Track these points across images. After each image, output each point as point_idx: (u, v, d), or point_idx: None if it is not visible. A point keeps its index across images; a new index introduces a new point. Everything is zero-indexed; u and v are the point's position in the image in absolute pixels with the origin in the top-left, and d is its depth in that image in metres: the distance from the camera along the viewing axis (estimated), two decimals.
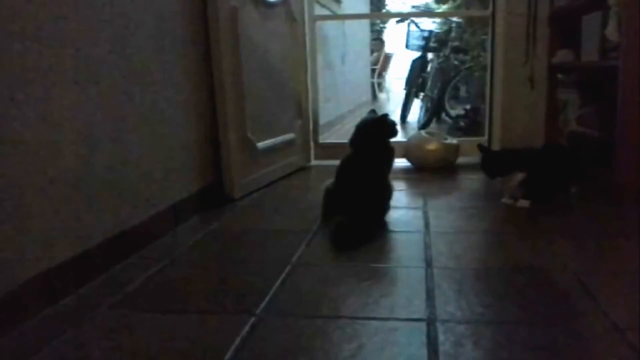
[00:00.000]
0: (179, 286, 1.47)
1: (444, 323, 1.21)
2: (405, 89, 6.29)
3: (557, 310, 1.26)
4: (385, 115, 2.05)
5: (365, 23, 9.51)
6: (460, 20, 7.14)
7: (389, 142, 2.04)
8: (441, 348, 1.10)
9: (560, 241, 1.75)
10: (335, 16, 6.34)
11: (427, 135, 3.02)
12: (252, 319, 1.25)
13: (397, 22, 7.22)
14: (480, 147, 2.23)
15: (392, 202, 2.02)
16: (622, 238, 1.76)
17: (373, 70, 9.74)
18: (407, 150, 2.99)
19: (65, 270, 1.40)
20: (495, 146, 3.12)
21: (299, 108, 2.99)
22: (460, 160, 3.01)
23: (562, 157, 2.24)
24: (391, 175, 2.05)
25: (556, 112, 3.00)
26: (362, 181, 1.93)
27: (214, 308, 1.33)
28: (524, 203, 2.12)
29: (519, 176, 2.09)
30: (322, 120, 3.72)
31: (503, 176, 2.16)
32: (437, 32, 6.59)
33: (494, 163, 2.18)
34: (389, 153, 2.05)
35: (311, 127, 3.25)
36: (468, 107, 5.29)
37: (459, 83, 6.14)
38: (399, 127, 2.11)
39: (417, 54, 6.22)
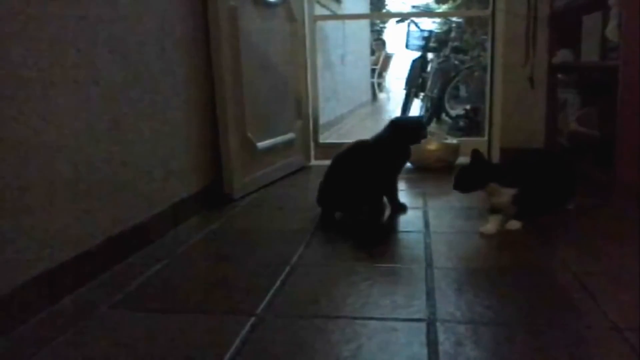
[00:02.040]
0: (179, 286, 1.47)
1: (444, 323, 1.21)
2: (405, 89, 6.29)
3: (557, 310, 1.26)
4: (420, 119, 2.13)
5: (365, 23, 9.52)
6: (460, 20, 7.14)
7: (407, 146, 2.11)
8: (441, 348, 1.10)
9: (560, 241, 1.75)
10: (335, 16, 6.34)
11: None
12: (252, 319, 1.25)
13: (397, 22, 7.24)
14: (474, 152, 1.82)
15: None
16: (622, 238, 1.76)
17: (373, 70, 9.74)
18: None
19: (65, 270, 1.40)
20: (496, 146, 3.13)
21: (299, 108, 3.00)
22: (460, 160, 3.01)
23: (557, 167, 1.95)
24: None
25: (556, 112, 3.00)
26: (364, 175, 2.01)
27: (214, 308, 1.33)
28: (514, 225, 1.85)
29: (510, 192, 1.78)
30: (322, 120, 3.73)
31: (475, 190, 1.82)
32: (437, 32, 6.59)
33: (470, 175, 1.81)
34: (404, 155, 2.12)
35: (311, 127, 3.25)
36: (468, 107, 5.28)
37: (459, 83, 6.14)
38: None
39: (417, 54, 6.22)
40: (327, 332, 1.19)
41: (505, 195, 1.79)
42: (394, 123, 2.11)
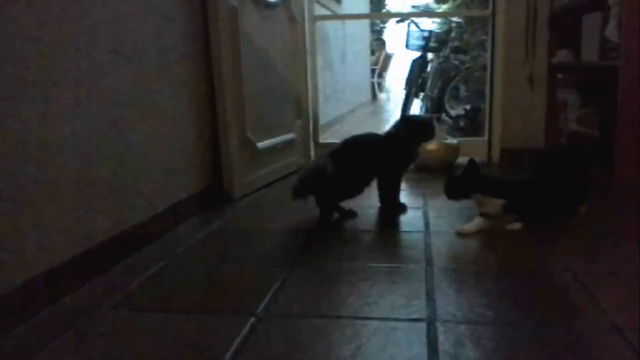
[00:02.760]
0: (179, 286, 1.47)
1: (444, 323, 1.21)
2: (405, 89, 6.28)
3: (557, 310, 1.26)
4: (430, 118, 2.19)
5: (365, 23, 9.51)
6: (460, 20, 7.15)
7: (416, 145, 2.12)
8: (441, 348, 1.10)
9: (560, 241, 1.75)
10: (335, 16, 6.33)
11: None
12: (252, 319, 1.25)
13: (397, 22, 7.24)
14: (468, 162, 1.86)
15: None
16: (622, 238, 1.76)
17: (373, 70, 9.74)
18: None
19: (65, 270, 1.40)
20: (496, 146, 3.13)
21: (299, 108, 3.00)
22: (460, 160, 3.01)
23: (562, 172, 1.98)
24: None
25: (556, 112, 3.01)
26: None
27: (214, 308, 1.33)
28: (515, 225, 1.86)
29: (498, 202, 1.81)
30: (322, 120, 3.73)
31: (462, 199, 1.87)
32: (437, 32, 6.59)
33: (457, 184, 1.87)
34: (413, 153, 2.12)
35: (311, 127, 3.25)
36: (468, 107, 5.29)
37: (459, 83, 6.14)
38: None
39: (417, 54, 6.22)
40: (327, 332, 1.19)
41: (493, 205, 1.81)
42: (405, 119, 2.12)
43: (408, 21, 6.40)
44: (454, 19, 7.29)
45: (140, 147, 1.78)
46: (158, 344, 1.16)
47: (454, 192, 1.87)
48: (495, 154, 3.14)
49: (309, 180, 1.99)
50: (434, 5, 10.19)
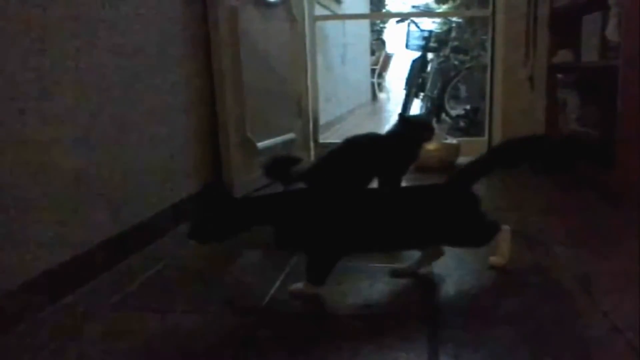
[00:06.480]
0: (179, 286, 1.47)
1: (444, 322, 1.21)
2: (405, 89, 6.28)
3: (557, 310, 1.26)
4: (428, 119, 2.12)
5: (365, 23, 9.52)
6: (460, 20, 7.14)
7: (415, 146, 2.09)
8: (441, 349, 1.10)
9: (560, 241, 1.75)
10: (335, 16, 6.34)
11: None
12: (252, 319, 1.25)
13: (397, 22, 7.22)
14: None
15: None
16: (622, 238, 1.76)
17: (373, 70, 9.74)
18: None
19: (65, 270, 1.40)
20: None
21: (299, 108, 3.00)
22: (460, 160, 3.01)
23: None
24: None
25: (556, 112, 3.00)
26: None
27: (214, 308, 1.33)
28: (296, 288, 1.36)
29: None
30: (322, 120, 3.73)
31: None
32: (437, 32, 6.59)
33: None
34: (414, 153, 2.09)
35: (311, 127, 3.25)
36: (468, 107, 5.28)
37: (459, 83, 6.14)
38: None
39: (417, 54, 6.22)
40: (327, 332, 1.19)
41: None
42: (403, 118, 2.11)
43: (408, 21, 6.39)
44: (454, 19, 7.28)
45: (140, 147, 1.78)
46: (158, 344, 1.16)
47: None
48: None
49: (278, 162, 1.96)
50: (434, 5, 10.19)
